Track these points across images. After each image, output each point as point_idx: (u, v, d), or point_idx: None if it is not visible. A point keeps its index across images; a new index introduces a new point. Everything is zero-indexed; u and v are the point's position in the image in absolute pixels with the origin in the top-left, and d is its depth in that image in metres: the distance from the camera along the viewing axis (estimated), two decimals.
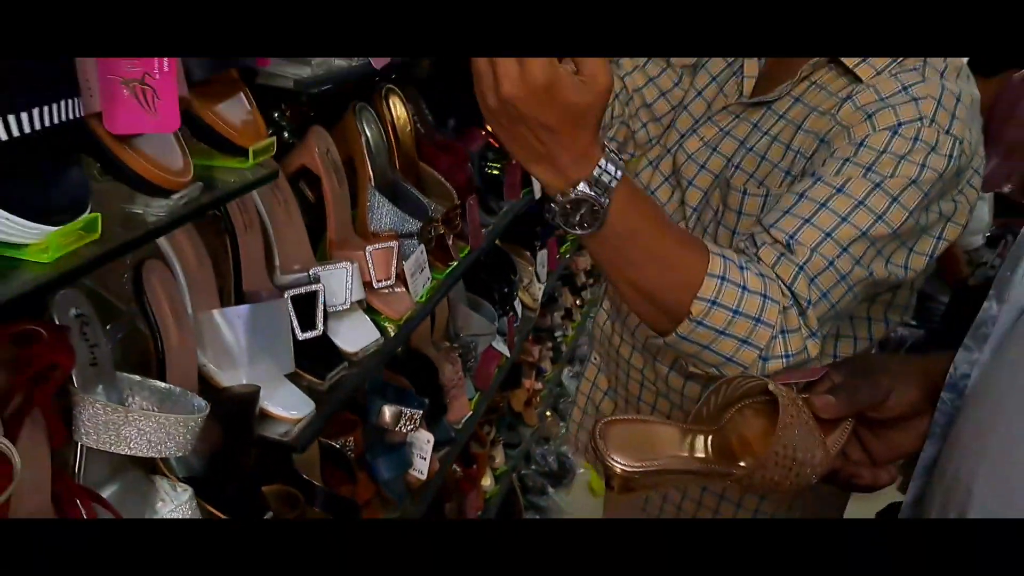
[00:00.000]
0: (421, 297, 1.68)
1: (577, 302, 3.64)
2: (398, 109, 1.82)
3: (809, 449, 0.81)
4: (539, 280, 2.77)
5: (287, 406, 1.23)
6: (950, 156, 1.00)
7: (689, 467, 0.80)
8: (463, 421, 2.14)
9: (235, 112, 0.96)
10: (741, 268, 0.93)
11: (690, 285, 0.91)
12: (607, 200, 0.84)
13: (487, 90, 0.81)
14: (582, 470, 3.47)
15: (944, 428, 0.81)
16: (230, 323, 1.18)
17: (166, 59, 0.75)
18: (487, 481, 2.63)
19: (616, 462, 0.77)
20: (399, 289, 1.60)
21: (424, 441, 1.83)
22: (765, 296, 0.93)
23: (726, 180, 1.15)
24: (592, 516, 2.86)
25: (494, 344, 2.40)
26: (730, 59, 1.27)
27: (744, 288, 0.92)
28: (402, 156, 1.80)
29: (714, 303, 0.91)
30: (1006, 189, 2.43)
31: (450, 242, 1.82)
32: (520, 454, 3.04)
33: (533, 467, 3.35)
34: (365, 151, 1.65)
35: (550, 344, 3.30)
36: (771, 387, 0.81)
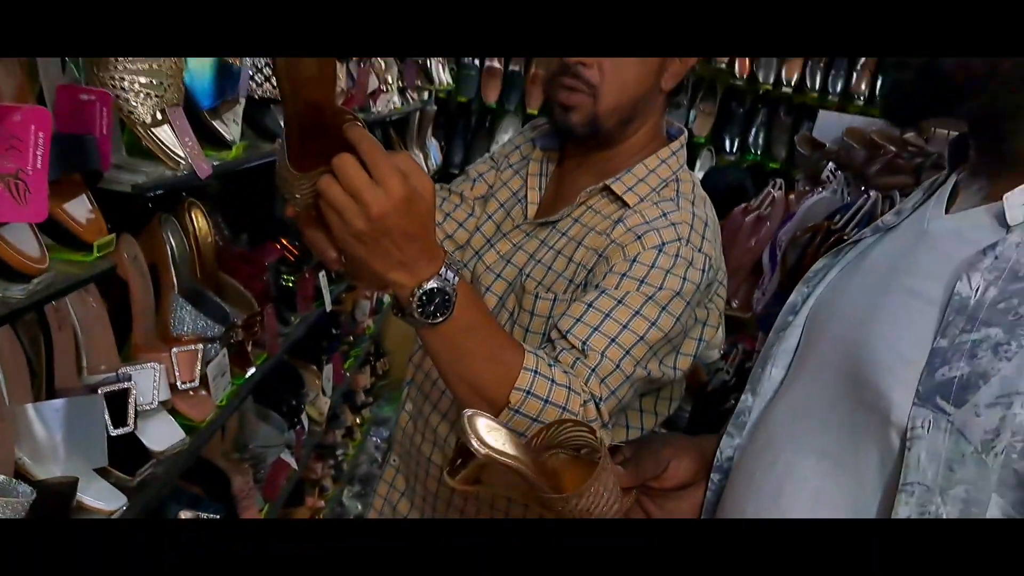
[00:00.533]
0: (222, 401, 1.73)
1: (357, 420, 3.70)
2: (199, 220, 1.90)
3: (614, 494, 0.97)
4: (324, 394, 2.83)
5: (100, 499, 1.24)
6: (703, 270, 1.24)
7: (530, 472, 0.91)
8: None
9: (79, 210, 1.03)
10: (550, 364, 1.09)
11: (510, 378, 1.05)
12: (455, 291, 0.97)
13: (354, 218, 0.89)
14: None
15: (713, 505, 0.99)
16: (44, 417, 1.20)
17: (40, 157, 0.83)
18: None
19: (481, 443, 0.87)
20: (203, 392, 1.65)
21: None
22: (570, 388, 1.09)
23: (520, 285, 1.34)
24: None
25: (283, 455, 2.43)
26: (515, 188, 1.48)
27: (553, 381, 1.08)
28: (203, 265, 1.87)
29: (529, 393, 1.06)
30: (733, 304, 2.84)
31: (248, 348, 1.89)
32: None
33: None
34: (169, 259, 1.72)
35: (332, 462, 3.33)
36: (593, 439, 0.96)
